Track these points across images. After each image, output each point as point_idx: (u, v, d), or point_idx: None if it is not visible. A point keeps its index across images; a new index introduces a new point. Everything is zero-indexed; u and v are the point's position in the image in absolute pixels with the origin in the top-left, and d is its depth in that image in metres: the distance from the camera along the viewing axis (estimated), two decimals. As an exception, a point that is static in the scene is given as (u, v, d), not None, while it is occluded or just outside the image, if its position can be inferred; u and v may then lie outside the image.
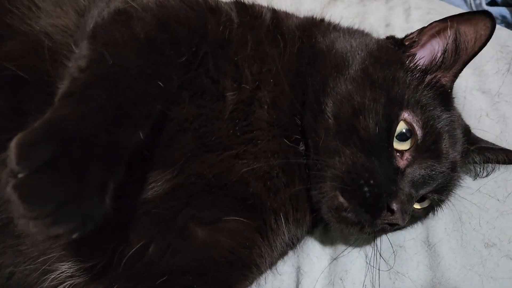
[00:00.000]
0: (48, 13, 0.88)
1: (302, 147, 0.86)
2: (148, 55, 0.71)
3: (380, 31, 1.41)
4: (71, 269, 0.73)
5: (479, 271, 0.87)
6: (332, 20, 1.05)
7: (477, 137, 0.98)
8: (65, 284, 0.73)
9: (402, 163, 0.79)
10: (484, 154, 0.96)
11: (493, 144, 0.98)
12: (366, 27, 1.43)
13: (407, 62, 0.86)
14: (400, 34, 1.38)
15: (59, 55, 0.79)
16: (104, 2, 0.86)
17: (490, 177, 0.99)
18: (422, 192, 0.81)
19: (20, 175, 0.51)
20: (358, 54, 0.86)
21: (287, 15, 0.99)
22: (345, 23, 1.12)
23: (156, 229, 0.77)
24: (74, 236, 0.53)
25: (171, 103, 0.76)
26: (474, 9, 1.68)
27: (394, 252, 0.93)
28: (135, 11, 0.76)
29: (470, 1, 1.68)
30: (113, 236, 0.75)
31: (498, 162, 0.97)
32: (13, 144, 0.52)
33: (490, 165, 0.98)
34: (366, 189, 0.75)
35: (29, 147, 0.53)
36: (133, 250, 0.74)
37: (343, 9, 1.56)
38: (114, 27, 0.73)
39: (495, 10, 1.68)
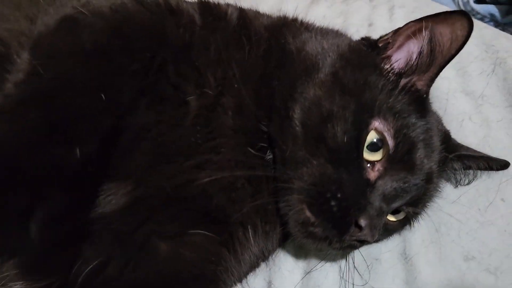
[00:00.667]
0: (6, 17, 0.84)
1: (269, 156, 0.81)
2: (95, 65, 0.67)
3: (362, 31, 1.36)
4: None
5: (457, 286, 0.83)
6: (306, 20, 1.00)
7: (457, 144, 0.93)
8: None
9: (372, 174, 0.74)
10: (464, 162, 0.91)
11: (474, 151, 0.93)
12: (349, 26, 1.38)
13: (381, 65, 0.81)
14: (382, 33, 1.34)
15: (3, 64, 0.74)
16: (55, 8, 0.82)
17: (471, 185, 0.94)
18: (394, 205, 0.76)
19: None
20: (328, 56, 0.82)
21: (256, 15, 0.94)
22: (327, 22, 1.07)
23: (115, 245, 0.72)
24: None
25: (125, 114, 0.71)
26: (462, 7, 1.63)
27: (369, 265, 0.88)
28: (84, 17, 0.72)
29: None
30: (68, 253, 0.71)
31: (480, 169, 0.93)
32: None
33: (472, 172, 0.93)
34: (333, 203, 0.71)
35: None
36: (90, 267, 0.70)
37: (326, 8, 1.51)
38: (58, 36, 0.69)
39: (483, 8, 1.63)
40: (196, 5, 0.86)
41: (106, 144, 0.69)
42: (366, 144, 0.73)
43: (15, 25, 0.84)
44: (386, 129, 0.74)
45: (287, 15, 0.99)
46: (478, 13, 1.61)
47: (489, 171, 0.93)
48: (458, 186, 0.95)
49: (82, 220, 0.73)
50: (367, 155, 0.74)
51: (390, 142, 0.74)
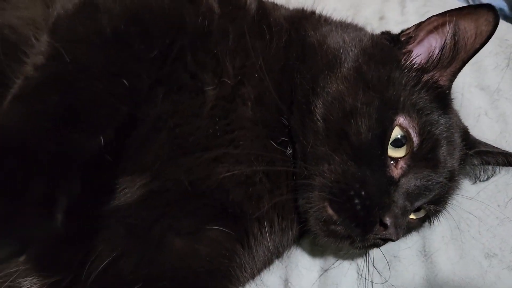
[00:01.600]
0: (15, 5, 0.81)
1: (289, 151, 0.79)
2: (114, 50, 0.65)
3: (374, 25, 1.35)
4: (36, 284, 0.68)
5: (479, 283, 0.82)
6: (323, 13, 0.98)
7: (476, 140, 0.92)
8: None
9: (396, 172, 0.73)
10: (483, 158, 0.90)
11: (493, 147, 0.92)
12: (360, 20, 1.36)
13: (402, 60, 0.80)
14: (394, 28, 1.32)
15: (21, 47, 0.72)
16: None
17: (490, 180, 0.93)
18: (417, 204, 0.75)
19: None
20: (351, 50, 0.80)
21: (274, 6, 0.92)
22: (337, 16, 1.06)
23: (129, 239, 0.71)
24: (13, 257, 0.50)
25: (142, 102, 0.69)
26: (470, 1, 1.62)
27: (388, 263, 0.87)
28: (103, 2, 0.69)
29: (466, -8, 1.62)
30: (79, 247, 0.69)
31: (499, 165, 0.92)
32: None
33: (490, 167, 0.92)
34: (356, 201, 0.69)
35: None
36: (104, 264, 0.68)
37: (336, 1, 1.49)
38: (78, 20, 0.67)
39: (492, 2, 1.62)
40: None
41: (122, 135, 0.68)
42: (390, 141, 0.72)
43: (25, 12, 0.82)
44: (411, 126, 0.72)
45: (304, 8, 0.97)
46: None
47: (508, 167, 0.92)
48: (477, 182, 0.94)
49: (95, 213, 0.71)
50: (391, 152, 0.73)
51: (415, 139, 0.72)
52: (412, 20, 1.35)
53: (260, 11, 0.84)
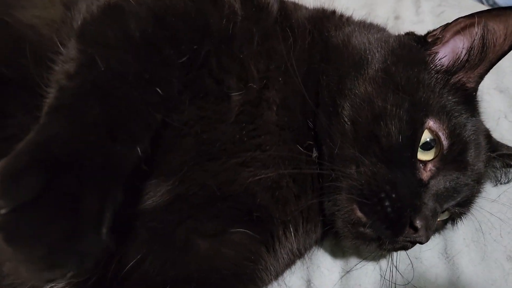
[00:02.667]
0: (34, 3, 0.79)
1: (315, 154, 0.79)
2: (145, 56, 0.63)
3: (389, 24, 1.34)
4: (60, 284, 0.66)
5: (502, 286, 0.83)
6: (343, 12, 0.98)
7: (498, 142, 0.92)
8: None
9: (425, 174, 0.72)
10: (505, 161, 0.90)
11: None
12: (375, 19, 1.36)
13: (429, 61, 0.79)
14: (410, 27, 1.32)
15: (46, 52, 0.70)
16: None
17: (511, 183, 0.93)
18: (446, 206, 0.75)
19: (3, 211, 0.44)
20: (377, 51, 0.79)
21: (295, 6, 0.91)
22: (352, 14, 1.05)
23: (154, 242, 0.70)
24: (69, 275, 0.47)
25: (172, 109, 0.69)
26: (484, 1, 1.62)
27: (410, 264, 0.87)
28: (128, 4, 0.68)
29: (481, -9, 1.62)
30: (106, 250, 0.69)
31: (520, 167, 0.92)
32: None
33: (511, 170, 0.92)
34: (387, 203, 0.69)
35: (13, 178, 0.46)
36: (130, 264, 0.68)
37: (349, 0, 1.48)
38: (105, 24, 0.65)
39: (505, 1, 1.63)
40: None
41: (152, 142, 0.67)
42: (420, 144, 0.72)
43: (43, 12, 0.80)
44: (441, 129, 0.72)
45: (325, 8, 0.96)
46: (500, 6, 1.60)
47: (529, 171, 0.92)
48: (498, 184, 0.94)
49: (121, 216, 0.71)
50: (420, 155, 0.72)
51: (445, 142, 0.72)
52: (427, 20, 1.35)
53: (282, 12, 0.83)
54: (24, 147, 0.50)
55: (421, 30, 1.28)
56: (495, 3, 1.60)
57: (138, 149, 0.57)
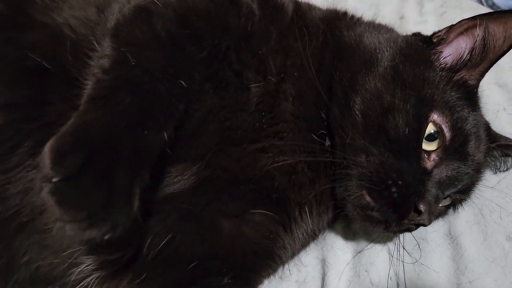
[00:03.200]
0: (71, 4, 0.87)
1: (328, 143, 0.86)
2: (170, 53, 0.71)
3: (395, 24, 1.42)
4: (97, 261, 0.73)
5: (501, 263, 0.90)
6: (353, 13, 1.05)
7: (497, 134, 0.99)
8: (92, 276, 0.74)
9: (429, 164, 0.80)
10: (503, 150, 0.98)
11: None
12: (381, 19, 1.44)
13: (434, 60, 0.87)
14: (414, 27, 1.41)
15: (83, 48, 0.78)
16: None
17: (510, 171, 1.02)
18: (447, 192, 0.82)
19: (54, 180, 0.54)
20: (386, 50, 0.86)
21: (310, 7, 0.98)
22: (359, 15, 1.13)
23: (183, 222, 0.77)
24: (106, 237, 0.57)
25: (194, 99, 0.76)
26: (483, 1, 1.69)
27: (417, 244, 0.95)
28: (156, 7, 0.76)
29: (480, -8, 1.69)
30: (138, 228, 0.75)
31: (518, 156, 1.00)
32: (46, 149, 0.56)
33: (510, 159, 1.00)
34: (394, 189, 0.76)
35: (61, 153, 0.56)
36: (163, 243, 0.75)
37: (356, 1, 1.56)
38: (136, 25, 0.73)
39: (503, 2, 1.70)
40: None
41: (177, 129, 0.74)
42: (425, 135, 0.79)
43: (81, 13, 0.86)
44: (444, 122, 0.79)
45: (337, 9, 1.03)
46: (498, 7, 1.68)
47: (526, 159, 1.00)
48: (497, 172, 1.02)
49: (152, 199, 0.78)
50: (425, 145, 0.79)
51: (448, 134, 0.80)
52: (430, 20, 1.43)
53: (298, 12, 0.90)
54: (68, 129, 0.59)
55: (424, 30, 1.36)
56: (494, 3, 1.67)
57: (165, 134, 0.66)
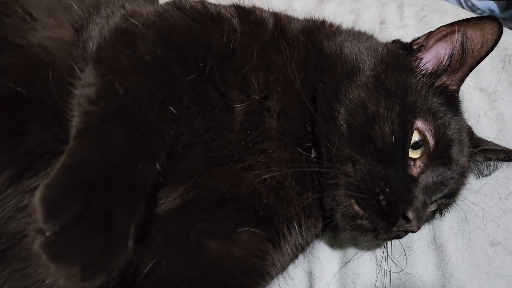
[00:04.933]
0: (44, 25, 0.84)
1: (313, 155, 0.85)
2: (157, 77, 0.69)
3: (375, 29, 1.42)
4: None
5: (486, 269, 0.90)
6: (332, 21, 1.04)
7: (479, 138, 0.99)
8: None
9: (415, 170, 0.80)
10: (486, 155, 0.98)
11: (494, 144, 1.00)
12: (361, 24, 1.44)
13: (415, 67, 0.87)
14: (395, 32, 1.40)
15: (63, 75, 0.75)
16: (103, 18, 0.83)
17: (492, 175, 1.01)
18: (434, 198, 0.82)
19: (47, 233, 0.51)
20: (368, 59, 0.86)
21: (288, 19, 0.97)
22: (339, 20, 1.12)
23: (169, 245, 0.76)
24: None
25: (183, 124, 0.75)
26: (463, 3, 1.70)
27: (403, 252, 0.95)
28: (137, 28, 0.74)
29: (459, -5, 1.70)
30: None
31: (499, 160, 1.00)
32: (37, 200, 0.52)
33: (492, 163, 1.00)
34: (382, 197, 0.76)
35: (55, 204, 0.53)
36: (148, 267, 0.73)
37: (337, 5, 1.56)
38: (119, 50, 0.71)
39: (483, 4, 1.71)
40: (232, 10, 0.88)
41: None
42: (411, 143, 0.79)
43: (55, 33, 0.83)
44: (427, 129, 0.80)
45: (315, 18, 1.02)
46: (478, 8, 1.69)
47: (509, 162, 1.00)
48: (480, 177, 1.02)
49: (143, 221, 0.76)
50: (410, 153, 0.79)
51: (431, 140, 0.80)
52: (410, 24, 1.43)
53: (278, 26, 0.89)
54: (60, 171, 0.55)
55: (405, 34, 1.37)
56: (473, 4, 1.69)
57: (157, 165, 0.63)
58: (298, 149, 0.83)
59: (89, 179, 0.55)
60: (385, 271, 0.91)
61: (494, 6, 1.68)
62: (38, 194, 0.52)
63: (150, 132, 0.64)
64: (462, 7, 1.68)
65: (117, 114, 0.63)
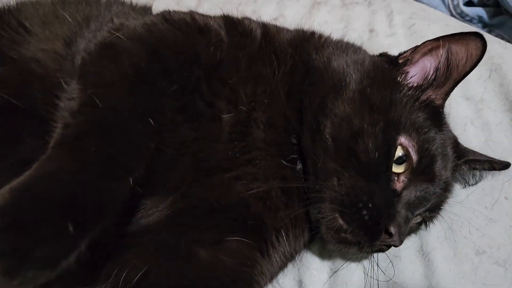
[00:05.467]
0: (38, 37, 0.85)
1: (299, 166, 0.87)
2: (138, 91, 0.70)
3: (364, 37, 1.44)
4: None
5: (471, 278, 0.92)
6: (322, 33, 1.05)
7: (464, 148, 1.01)
8: None
9: (398, 185, 0.81)
10: (471, 165, 1.00)
11: (480, 154, 1.01)
12: (351, 32, 1.45)
13: (401, 81, 0.88)
14: (384, 40, 1.42)
15: (51, 88, 0.77)
16: (91, 32, 0.84)
17: (478, 184, 1.03)
18: (417, 212, 0.84)
19: None
20: (354, 73, 0.87)
21: (278, 30, 0.98)
22: (329, 28, 1.14)
23: (159, 254, 0.77)
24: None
25: (167, 135, 0.75)
26: (452, 9, 1.72)
27: (390, 261, 0.96)
28: (121, 42, 0.75)
29: (448, 2, 1.72)
30: (114, 261, 0.75)
31: (484, 170, 1.02)
32: None
33: (477, 173, 1.02)
34: (365, 212, 0.77)
35: (3, 207, 0.54)
36: (138, 276, 0.74)
37: (327, 13, 1.57)
38: (102, 64, 0.72)
39: (471, 11, 1.73)
40: (220, 21, 0.89)
41: (148, 165, 0.73)
42: (394, 158, 0.80)
43: (48, 45, 0.85)
44: (411, 145, 0.81)
45: (304, 29, 1.04)
46: (467, 15, 1.71)
47: (493, 172, 1.03)
48: (466, 186, 1.04)
49: (127, 232, 0.78)
50: (394, 168, 0.81)
51: (414, 156, 0.81)
52: (399, 32, 1.45)
53: (267, 38, 0.90)
54: (26, 177, 0.57)
55: (394, 42, 1.39)
56: (462, 11, 1.70)
57: (130, 180, 0.63)
58: (282, 161, 0.84)
59: (47, 194, 0.56)
60: (373, 279, 0.93)
61: (482, 12, 1.69)
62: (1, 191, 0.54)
63: (127, 146, 0.65)
64: (452, 14, 1.69)
65: (93, 128, 0.64)
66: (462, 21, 1.66)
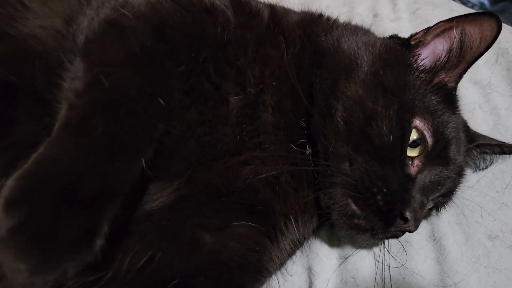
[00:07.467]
0: (36, 13, 0.81)
1: (308, 151, 0.85)
2: (146, 70, 0.68)
3: (368, 21, 1.41)
4: (77, 283, 0.70)
5: (484, 263, 0.91)
6: (329, 15, 1.03)
7: (475, 133, 0.99)
8: None
9: (413, 170, 0.79)
10: (481, 149, 0.98)
11: (490, 139, 1.00)
12: (355, 16, 1.43)
13: (413, 64, 0.86)
14: (389, 25, 1.40)
15: (53, 67, 0.73)
16: (93, 9, 0.80)
17: (489, 169, 1.02)
18: (431, 197, 0.82)
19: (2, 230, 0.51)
20: (366, 55, 0.85)
21: (285, 11, 0.96)
22: (332, 12, 1.11)
23: (163, 239, 0.75)
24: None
25: (174, 117, 0.73)
26: (455, -5, 1.71)
27: (402, 247, 0.95)
28: (127, 20, 0.72)
29: (450, -13, 1.70)
30: (118, 247, 0.73)
31: (495, 153, 1.01)
32: (3, 192, 0.52)
33: (488, 157, 1.01)
34: (379, 197, 0.75)
35: (14, 199, 0.52)
36: (142, 261, 0.72)
37: (330, -2, 1.54)
38: (107, 42, 0.69)
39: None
40: (227, 1, 0.86)
41: (156, 148, 0.71)
42: (409, 142, 0.78)
43: (47, 22, 0.81)
44: (426, 128, 0.79)
45: (312, 11, 1.01)
46: (469, 1, 1.70)
47: (504, 156, 1.01)
48: (477, 171, 1.03)
49: (132, 217, 0.75)
50: (408, 152, 0.79)
51: (429, 140, 0.80)
52: (404, 17, 1.43)
53: (274, 19, 0.88)
54: (30, 165, 0.55)
55: (399, 27, 1.37)
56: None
57: (143, 160, 0.61)
58: (292, 145, 0.82)
59: (51, 180, 0.54)
60: (384, 265, 0.92)
61: (484, -2, 1.69)
62: (6, 185, 0.53)
63: (136, 126, 0.62)
64: (454, 0, 1.68)
65: (100, 109, 0.61)
66: (464, 7, 1.64)
